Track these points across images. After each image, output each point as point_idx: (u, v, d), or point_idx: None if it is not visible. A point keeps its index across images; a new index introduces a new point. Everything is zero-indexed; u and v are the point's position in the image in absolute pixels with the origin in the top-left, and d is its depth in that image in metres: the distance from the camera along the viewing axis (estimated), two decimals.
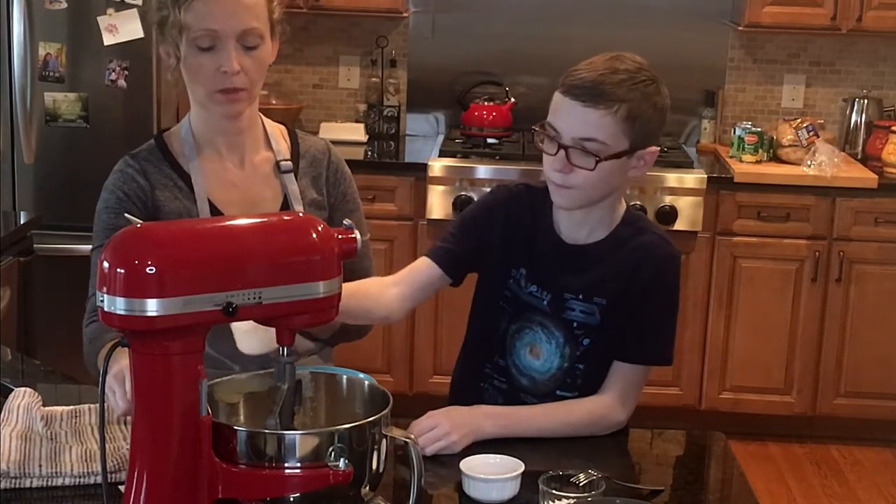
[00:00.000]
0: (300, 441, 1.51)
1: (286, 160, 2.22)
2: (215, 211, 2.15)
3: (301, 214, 1.59)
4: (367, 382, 1.71)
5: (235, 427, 1.54)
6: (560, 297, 2.14)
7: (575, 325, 2.14)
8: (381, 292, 2.14)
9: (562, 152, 2.03)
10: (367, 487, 1.57)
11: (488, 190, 4.25)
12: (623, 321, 2.12)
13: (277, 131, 2.27)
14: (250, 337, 2.04)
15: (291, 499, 1.53)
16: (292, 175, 2.22)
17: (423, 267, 2.18)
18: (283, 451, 1.50)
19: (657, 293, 2.13)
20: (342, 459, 1.50)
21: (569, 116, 2.03)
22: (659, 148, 2.12)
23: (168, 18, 2.08)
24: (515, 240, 2.18)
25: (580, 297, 2.13)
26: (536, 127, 2.10)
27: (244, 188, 2.19)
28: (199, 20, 2.04)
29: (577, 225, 2.14)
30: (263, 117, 2.26)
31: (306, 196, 2.23)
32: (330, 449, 1.50)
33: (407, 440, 1.59)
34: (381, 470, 1.59)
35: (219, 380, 1.66)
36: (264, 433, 1.53)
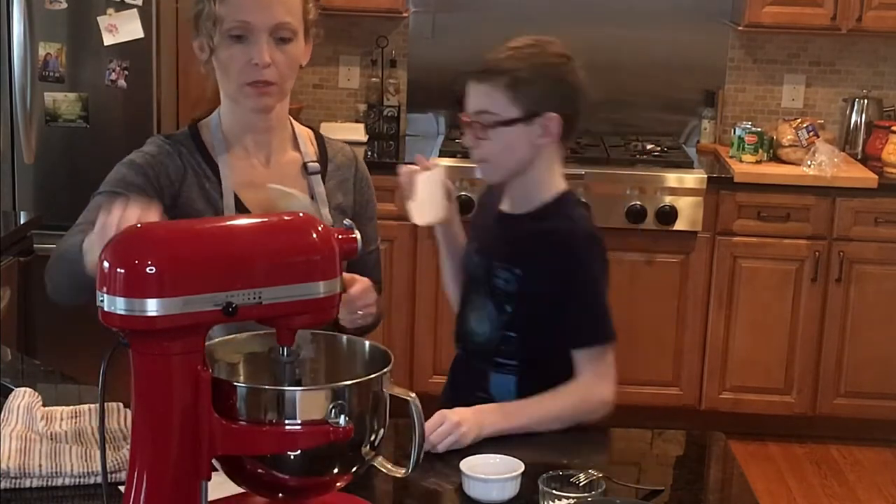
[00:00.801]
0: (300, 397, 1.50)
1: (314, 162, 2.23)
2: (241, 208, 2.14)
3: (301, 214, 1.59)
4: (367, 343, 1.71)
5: (235, 383, 1.54)
6: (490, 264, 2.25)
7: (499, 291, 2.23)
8: None
9: (468, 129, 2.24)
10: (368, 447, 1.56)
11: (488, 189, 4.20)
12: (539, 297, 2.19)
13: (305, 134, 2.27)
14: (423, 208, 2.27)
15: (292, 457, 1.52)
16: (319, 177, 2.22)
17: None
18: (283, 407, 1.49)
19: (572, 275, 2.19)
20: (342, 416, 1.48)
21: (468, 96, 2.25)
22: (559, 115, 2.18)
23: (203, 11, 2.09)
24: (473, 219, 2.44)
25: (504, 264, 2.23)
26: (461, 113, 2.28)
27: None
28: (233, 12, 2.06)
29: (508, 197, 2.29)
30: (293, 120, 2.27)
31: (333, 200, 2.22)
32: (330, 406, 1.49)
33: (408, 398, 1.57)
34: (382, 429, 1.58)
35: (218, 339, 1.65)
36: (264, 389, 1.52)
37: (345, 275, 2.08)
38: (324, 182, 2.22)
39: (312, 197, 2.20)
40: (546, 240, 2.20)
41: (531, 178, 2.22)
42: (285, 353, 1.57)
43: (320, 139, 2.30)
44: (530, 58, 2.18)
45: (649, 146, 4.65)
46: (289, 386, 1.57)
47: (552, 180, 2.25)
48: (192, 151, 2.17)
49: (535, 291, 2.19)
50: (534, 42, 2.21)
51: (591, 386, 2.15)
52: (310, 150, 2.25)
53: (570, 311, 2.17)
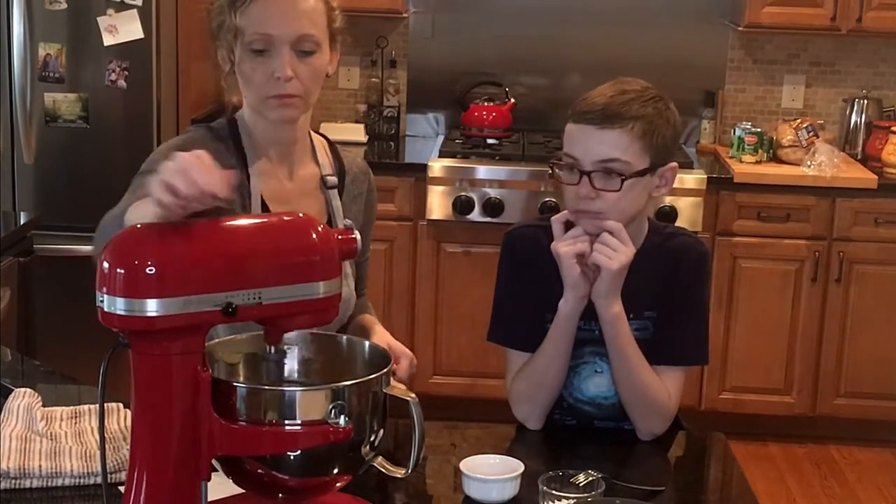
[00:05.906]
0: (300, 398, 1.50)
1: (331, 176, 2.20)
2: None
3: (301, 215, 1.59)
4: (367, 343, 1.71)
5: (235, 383, 1.54)
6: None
7: None
8: None
9: (585, 178, 2.04)
10: (368, 447, 1.56)
11: (493, 191, 4.19)
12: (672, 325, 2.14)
13: (320, 144, 2.23)
14: None
15: (291, 457, 1.52)
16: (336, 191, 2.19)
17: (510, 361, 2.21)
18: (282, 408, 1.49)
19: (695, 291, 2.16)
20: (342, 417, 1.48)
21: (586, 141, 2.05)
22: (677, 164, 2.13)
23: (224, 23, 2.04)
24: (541, 282, 2.15)
25: (631, 315, 2.10)
26: (553, 160, 2.10)
27: (294, 202, 2.14)
28: (254, 24, 2.01)
29: None
30: (310, 130, 2.23)
31: (347, 213, 2.20)
32: (330, 406, 1.49)
33: (408, 398, 1.57)
34: (381, 429, 1.58)
35: (218, 340, 1.65)
36: (264, 389, 1.53)
37: (393, 346, 2.06)
38: (340, 196, 2.20)
39: (329, 213, 2.17)
40: (684, 256, 2.16)
41: (634, 227, 2.11)
42: (272, 351, 1.58)
43: (333, 149, 2.26)
44: (653, 103, 2.06)
45: None
46: (277, 385, 1.57)
47: (645, 221, 2.19)
48: (232, 151, 2.10)
49: (673, 321, 2.14)
50: (644, 85, 2.09)
51: (673, 396, 2.14)
52: (325, 161, 2.21)
53: (682, 329, 2.14)
